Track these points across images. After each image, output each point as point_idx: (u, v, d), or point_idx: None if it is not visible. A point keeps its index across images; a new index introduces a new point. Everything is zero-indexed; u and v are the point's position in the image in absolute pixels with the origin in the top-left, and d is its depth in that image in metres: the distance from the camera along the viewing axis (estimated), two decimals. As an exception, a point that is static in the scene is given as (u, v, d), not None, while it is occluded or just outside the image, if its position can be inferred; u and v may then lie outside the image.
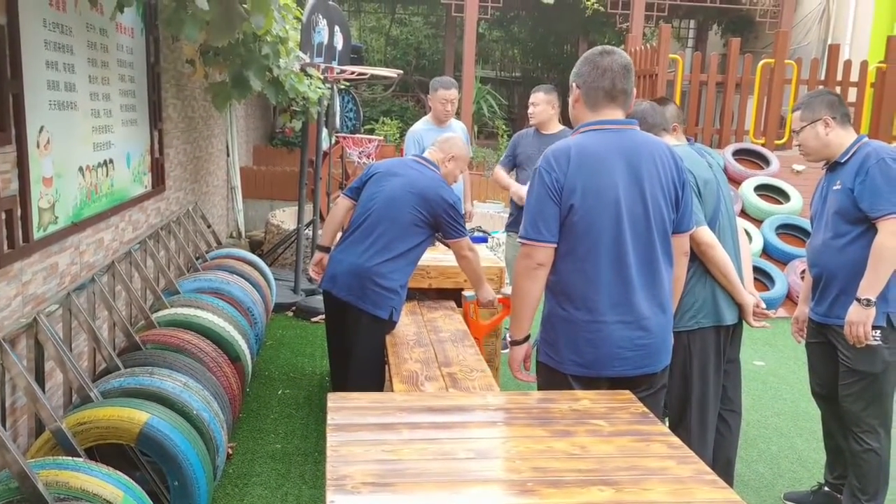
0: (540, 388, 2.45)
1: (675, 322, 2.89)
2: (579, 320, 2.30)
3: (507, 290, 3.98)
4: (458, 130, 5.06)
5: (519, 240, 2.36)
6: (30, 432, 2.68)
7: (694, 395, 2.92)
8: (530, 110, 4.87)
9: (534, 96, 4.85)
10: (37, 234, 2.74)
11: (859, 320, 2.78)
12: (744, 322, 3.00)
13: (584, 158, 2.27)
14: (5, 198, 2.48)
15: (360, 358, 3.33)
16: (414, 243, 3.35)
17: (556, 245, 2.30)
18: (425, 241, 3.42)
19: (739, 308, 2.94)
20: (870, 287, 2.76)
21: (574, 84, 2.39)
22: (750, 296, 2.96)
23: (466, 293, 3.87)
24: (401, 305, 3.40)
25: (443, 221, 3.36)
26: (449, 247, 3.54)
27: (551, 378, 2.39)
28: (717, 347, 2.92)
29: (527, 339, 2.45)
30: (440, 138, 3.76)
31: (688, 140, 3.36)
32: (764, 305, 2.99)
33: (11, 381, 2.48)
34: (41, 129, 2.76)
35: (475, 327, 3.76)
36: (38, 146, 2.73)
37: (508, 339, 2.51)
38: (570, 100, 2.43)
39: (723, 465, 3.02)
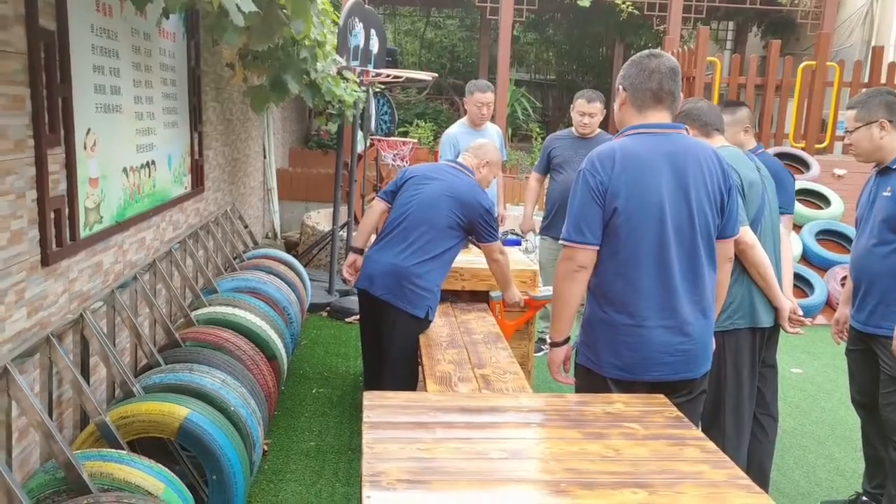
0: (578, 390, 2.45)
1: None
2: (620, 324, 2.29)
3: (538, 292, 4.00)
4: (493, 134, 5.07)
5: (561, 241, 2.35)
6: (75, 425, 2.75)
7: (728, 397, 2.89)
8: (585, 120, 4.74)
9: (590, 106, 4.72)
10: (83, 233, 2.82)
11: None
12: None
13: (629, 162, 2.26)
14: (54, 197, 2.56)
15: (394, 357, 3.37)
16: (448, 246, 3.40)
17: (598, 247, 2.29)
18: (459, 243, 3.48)
19: (776, 312, 2.91)
20: None
21: (621, 87, 2.39)
22: (787, 301, 2.92)
23: (493, 293, 3.92)
24: (436, 305, 3.45)
25: (478, 226, 3.42)
26: (481, 249, 3.60)
27: (590, 380, 2.38)
28: (752, 350, 2.89)
29: (566, 341, 2.44)
30: (474, 144, 3.79)
31: (757, 145, 3.38)
32: (801, 312, 2.96)
33: (58, 375, 2.56)
34: (88, 131, 2.85)
35: (501, 326, 3.80)
36: (85, 148, 2.82)
37: (548, 340, 2.51)
38: (616, 103, 2.43)
39: (756, 471, 2.99)
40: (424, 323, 3.42)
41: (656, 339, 2.28)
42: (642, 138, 2.31)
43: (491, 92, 5.02)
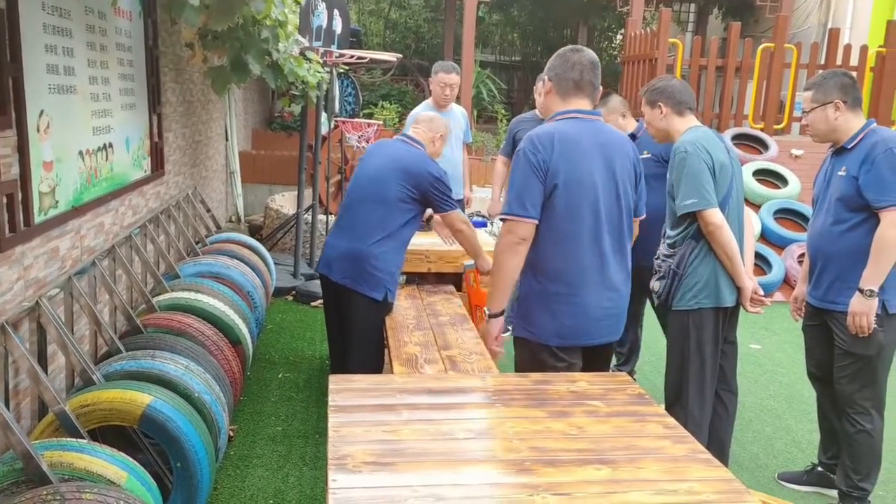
0: (519, 361, 2.63)
1: (675, 301, 2.95)
2: (554, 293, 2.49)
3: None
4: (458, 115, 5.05)
5: (502, 215, 2.49)
6: (33, 415, 2.70)
7: (692, 375, 2.95)
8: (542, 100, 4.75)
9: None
10: (38, 219, 2.74)
11: (862, 311, 2.80)
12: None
13: (565, 144, 2.45)
14: (6, 182, 2.48)
15: (358, 340, 3.36)
16: (402, 221, 3.35)
17: (537, 221, 2.45)
18: (413, 219, 3.42)
19: (738, 291, 2.97)
20: (872, 278, 2.78)
21: (546, 77, 2.62)
22: (749, 281, 2.98)
23: (466, 262, 3.89)
24: (395, 287, 3.43)
25: (431, 195, 3.37)
26: (444, 223, 3.56)
27: (531, 350, 2.56)
28: (716, 329, 2.95)
29: (503, 312, 2.58)
30: (424, 117, 3.73)
31: (639, 124, 3.64)
32: (762, 292, 3.02)
33: (14, 364, 2.50)
34: (41, 113, 2.77)
35: (476, 295, 3.78)
36: (38, 130, 2.74)
37: (486, 313, 2.59)
38: (542, 91, 2.65)
39: (716, 445, 3.05)
40: (385, 305, 3.40)
41: (591, 304, 2.49)
42: (572, 122, 2.52)
43: (455, 73, 4.99)
